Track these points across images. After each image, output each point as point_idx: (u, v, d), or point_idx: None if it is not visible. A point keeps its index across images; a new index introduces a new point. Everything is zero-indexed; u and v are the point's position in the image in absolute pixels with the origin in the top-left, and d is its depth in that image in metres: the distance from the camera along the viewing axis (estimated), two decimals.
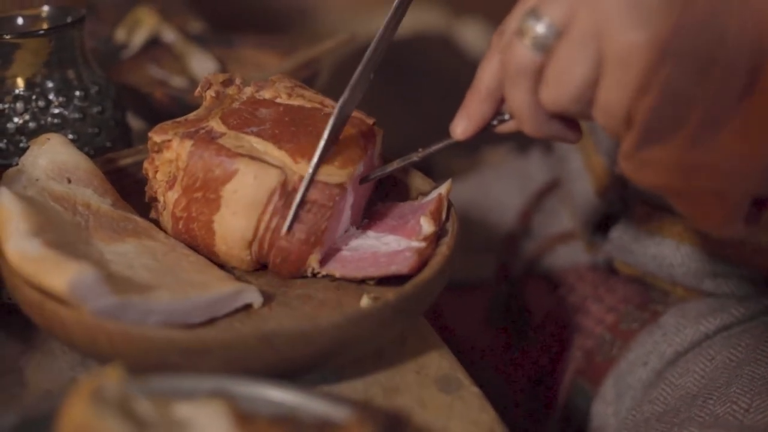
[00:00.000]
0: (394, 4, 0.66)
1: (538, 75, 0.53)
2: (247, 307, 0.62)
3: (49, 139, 0.68)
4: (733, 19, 0.47)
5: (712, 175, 0.50)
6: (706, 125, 0.49)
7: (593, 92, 0.51)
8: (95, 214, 0.64)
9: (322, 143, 0.63)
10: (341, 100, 0.65)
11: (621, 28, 0.48)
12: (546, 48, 0.52)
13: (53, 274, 0.55)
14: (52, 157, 0.66)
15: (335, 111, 0.65)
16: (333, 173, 0.64)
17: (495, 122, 0.60)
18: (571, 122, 0.57)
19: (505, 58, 0.54)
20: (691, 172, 0.50)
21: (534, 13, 0.52)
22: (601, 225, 0.88)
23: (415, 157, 0.66)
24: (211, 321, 0.60)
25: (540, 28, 0.52)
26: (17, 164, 0.67)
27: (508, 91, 0.55)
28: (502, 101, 0.59)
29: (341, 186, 0.64)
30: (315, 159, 0.63)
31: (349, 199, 0.66)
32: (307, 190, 0.63)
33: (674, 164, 0.50)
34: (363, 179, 0.67)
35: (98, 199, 0.66)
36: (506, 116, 0.60)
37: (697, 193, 0.52)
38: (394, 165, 0.68)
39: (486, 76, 0.58)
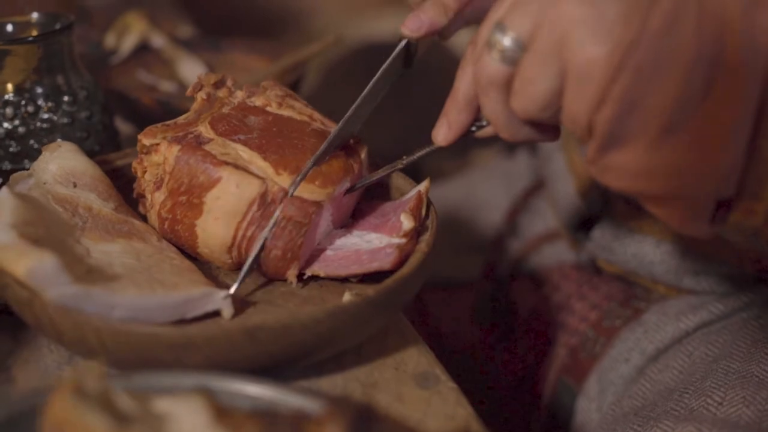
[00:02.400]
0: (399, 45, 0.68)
1: (507, 85, 0.55)
2: None
3: (60, 146, 0.70)
4: (690, 30, 0.48)
5: (672, 178, 0.52)
6: (665, 132, 0.50)
7: (559, 101, 0.52)
8: (95, 216, 0.66)
9: (308, 165, 0.65)
10: (335, 130, 0.67)
11: (581, 42, 0.49)
12: (513, 60, 0.53)
13: (17, 261, 0.56)
14: (61, 163, 0.68)
15: (328, 138, 0.66)
16: (313, 191, 0.65)
17: (474, 128, 0.63)
18: (546, 125, 0.59)
19: (476, 70, 0.56)
20: (651, 176, 0.52)
21: (500, 27, 0.53)
22: (583, 224, 0.89)
23: (400, 164, 0.68)
24: (195, 318, 0.61)
25: (506, 42, 0.53)
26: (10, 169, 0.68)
27: (482, 100, 0.57)
28: (479, 108, 0.60)
29: (318, 204, 0.65)
30: (297, 180, 0.64)
31: (327, 213, 0.67)
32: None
33: (635, 169, 0.51)
34: (349, 189, 0.69)
35: (101, 203, 0.67)
36: (484, 122, 0.62)
37: (660, 195, 0.53)
38: (380, 173, 0.69)
39: (462, 86, 0.60)
